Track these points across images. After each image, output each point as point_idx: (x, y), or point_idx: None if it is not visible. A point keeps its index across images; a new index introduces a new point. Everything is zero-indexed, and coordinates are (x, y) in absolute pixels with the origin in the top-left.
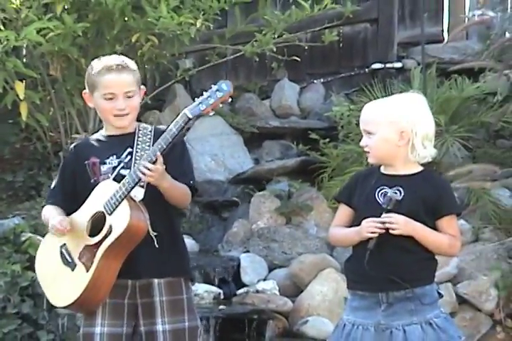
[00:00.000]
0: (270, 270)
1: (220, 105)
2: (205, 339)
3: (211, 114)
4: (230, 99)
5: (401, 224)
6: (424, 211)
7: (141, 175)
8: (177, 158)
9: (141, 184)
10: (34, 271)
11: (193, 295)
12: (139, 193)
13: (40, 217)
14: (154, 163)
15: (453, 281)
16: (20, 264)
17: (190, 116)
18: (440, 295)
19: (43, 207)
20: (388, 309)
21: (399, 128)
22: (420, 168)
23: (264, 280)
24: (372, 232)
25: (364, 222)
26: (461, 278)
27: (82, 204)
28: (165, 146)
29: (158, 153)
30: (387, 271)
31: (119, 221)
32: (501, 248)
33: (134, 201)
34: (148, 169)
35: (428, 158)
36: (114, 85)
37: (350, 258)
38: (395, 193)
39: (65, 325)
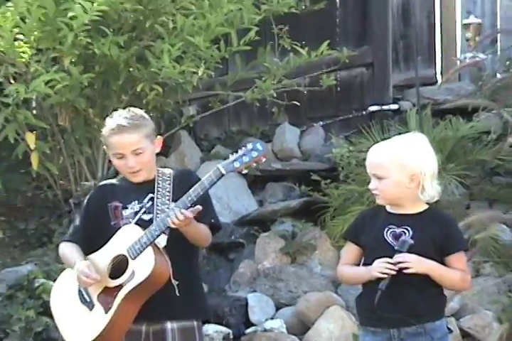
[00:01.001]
0: (277, 309)
1: (254, 164)
2: None
3: (244, 172)
4: (264, 160)
5: (415, 263)
6: (433, 249)
7: (171, 223)
8: (200, 201)
9: (165, 231)
10: (48, 316)
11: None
12: (162, 240)
13: (53, 263)
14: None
15: (456, 316)
16: (34, 310)
17: (224, 173)
18: (450, 330)
19: (57, 246)
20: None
21: (409, 172)
22: (426, 206)
23: (272, 319)
24: (383, 273)
25: (376, 263)
26: (464, 312)
27: (98, 244)
28: (195, 199)
29: (184, 210)
30: (398, 308)
31: (142, 267)
32: (502, 282)
33: (159, 248)
34: (186, 216)
35: (437, 196)
36: (120, 147)
37: (361, 295)
38: (403, 232)
39: None
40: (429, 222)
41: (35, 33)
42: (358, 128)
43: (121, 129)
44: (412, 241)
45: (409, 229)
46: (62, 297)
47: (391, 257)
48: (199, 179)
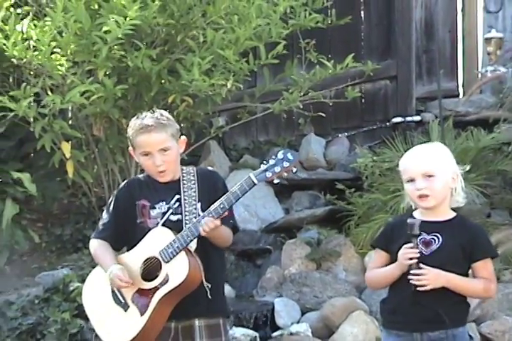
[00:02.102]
0: (303, 313)
1: (285, 174)
2: None
3: (276, 181)
4: (294, 169)
5: (431, 280)
6: (462, 256)
7: (202, 232)
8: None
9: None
10: (82, 318)
11: (230, 338)
12: (193, 243)
13: (88, 267)
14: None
15: (477, 321)
16: (70, 312)
17: (256, 182)
18: (471, 337)
19: (89, 238)
20: None
21: (454, 172)
22: (454, 214)
23: (298, 323)
24: (410, 258)
25: (401, 251)
26: (485, 318)
27: (124, 241)
28: (227, 207)
29: (213, 219)
30: (423, 313)
31: (177, 271)
32: None
33: (190, 252)
34: (210, 226)
35: (463, 202)
36: (147, 145)
37: (386, 299)
38: (433, 239)
39: None
40: (459, 229)
41: (72, 46)
42: (381, 139)
43: (149, 129)
44: (419, 221)
45: (438, 235)
46: (96, 296)
47: (422, 263)
48: (222, 179)
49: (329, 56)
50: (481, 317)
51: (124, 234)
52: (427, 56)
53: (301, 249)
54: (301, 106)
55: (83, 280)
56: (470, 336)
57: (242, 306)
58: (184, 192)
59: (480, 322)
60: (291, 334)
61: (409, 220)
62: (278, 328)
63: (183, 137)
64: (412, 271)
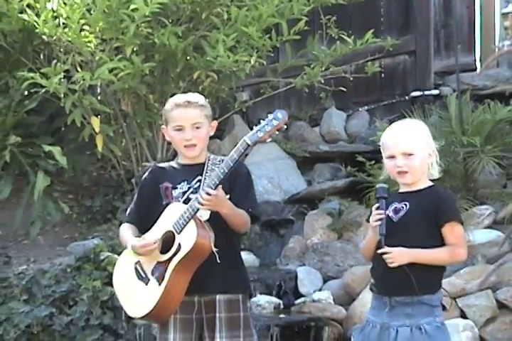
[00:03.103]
0: (325, 281)
1: (277, 132)
2: None
3: (268, 140)
4: (285, 127)
5: (396, 257)
6: (427, 221)
7: (200, 200)
8: (242, 187)
9: None
10: (113, 286)
11: (249, 313)
12: (205, 214)
13: (117, 237)
14: (216, 187)
15: (493, 288)
16: (100, 280)
17: (250, 143)
18: (444, 308)
19: (121, 222)
20: (391, 311)
21: (430, 148)
22: (429, 184)
23: (320, 290)
24: (377, 220)
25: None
26: (500, 285)
27: (153, 223)
28: (227, 170)
29: (208, 189)
30: (393, 279)
31: (187, 239)
32: None
33: (200, 221)
34: (209, 194)
35: (438, 175)
36: (181, 118)
37: (371, 267)
38: (402, 207)
39: (142, 335)
40: (426, 196)
41: (100, 23)
42: (400, 113)
43: (188, 104)
44: (385, 185)
45: (407, 203)
46: (122, 276)
47: (391, 229)
48: (247, 170)
49: (349, 32)
50: (496, 284)
51: (152, 216)
52: (445, 31)
53: (322, 219)
54: (323, 81)
55: (113, 250)
56: (443, 306)
57: (266, 274)
58: (206, 173)
59: (496, 289)
60: (314, 301)
61: (377, 185)
62: (301, 296)
63: (215, 122)
64: (378, 251)
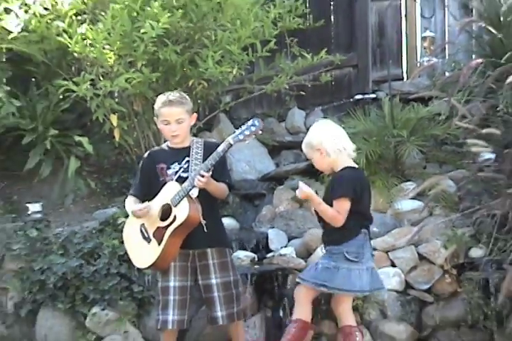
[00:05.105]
0: (289, 240)
1: (253, 136)
2: (244, 288)
3: (246, 142)
4: (260, 132)
5: (301, 191)
6: (329, 197)
7: (197, 181)
8: (220, 167)
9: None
10: None
11: (232, 259)
12: (195, 192)
13: None
14: (208, 171)
15: (415, 244)
16: (118, 239)
17: (232, 143)
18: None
19: (131, 184)
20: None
21: (314, 147)
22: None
23: (285, 247)
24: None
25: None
26: (421, 242)
27: (153, 196)
28: (214, 162)
29: (203, 172)
30: (324, 235)
31: (181, 212)
32: (448, 221)
33: (192, 198)
34: (202, 176)
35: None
36: (168, 115)
37: None
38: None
39: (149, 280)
40: (331, 179)
41: (118, 43)
42: (346, 111)
43: (171, 103)
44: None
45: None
46: (130, 234)
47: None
48: (224, 156)
49: (308, 50)
50: (418, 241)
51: (151, 190)
52: (380, 50)
53: (287, 193)
54: (287, 87)
55: (127, 216)
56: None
57: (244, 235)
58: (192, 156)
59: (417, 245)
60: (281, 255)
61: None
62: (270, 251)
63: (195, 114)
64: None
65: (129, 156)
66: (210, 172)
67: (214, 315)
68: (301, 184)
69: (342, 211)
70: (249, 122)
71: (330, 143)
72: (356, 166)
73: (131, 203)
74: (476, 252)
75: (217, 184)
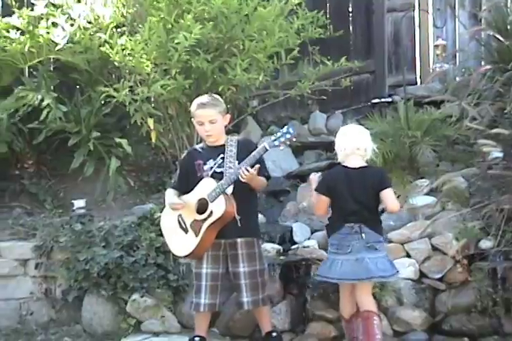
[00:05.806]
0: (312, 233)
1: (288, 143)
2: (271, 277)
3: (281, 148)
4: (294, 140)
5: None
6: None
7: (242, 176)
8: (257, 163)
9: (232, 183)
10: (163, 236)
11: (262, 250)
12: (229, 189)
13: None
14: (252, 167)
15: (429, 237)
16: (155, 233)
17: (268, 148)
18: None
19: (166, 182)
20: None
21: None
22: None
23: (308, 239)
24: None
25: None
26: (434, 234)
27: (191, 190)
28: (254, 162)
29: (249, 168)
30: None
31: (217, 208)
32: (459, 215)
33: (227, 195)
34: (248, 170)
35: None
36: (201, 116)
37: None
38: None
39: (184, 270)
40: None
41: (154, 53)
42: (364, 114)
43: (204, 105)
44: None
45: None
46: (168, 223)
47: None
48: (256, 145)
49: (328, 57)
50: (431, 234)
51: (190, 185)
52: (395, 57)
53: (310, 189)
54: (310, 92)
55: (163, 212)
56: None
57: (270, 228)
58: (227, 153)
59: (431, 237)
60: (304, 247)
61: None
62: (295, 243)
63: (228, 115)
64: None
65: (165, 156)
66: (256, 170)
67: (240, 300)
68: (311, 175)
69: (317, 203)
70: (284, 129)
71: (336, 144)
72: (345, 164)
73: (170, 194)
74: (485, 244)
75: (258, 178)
